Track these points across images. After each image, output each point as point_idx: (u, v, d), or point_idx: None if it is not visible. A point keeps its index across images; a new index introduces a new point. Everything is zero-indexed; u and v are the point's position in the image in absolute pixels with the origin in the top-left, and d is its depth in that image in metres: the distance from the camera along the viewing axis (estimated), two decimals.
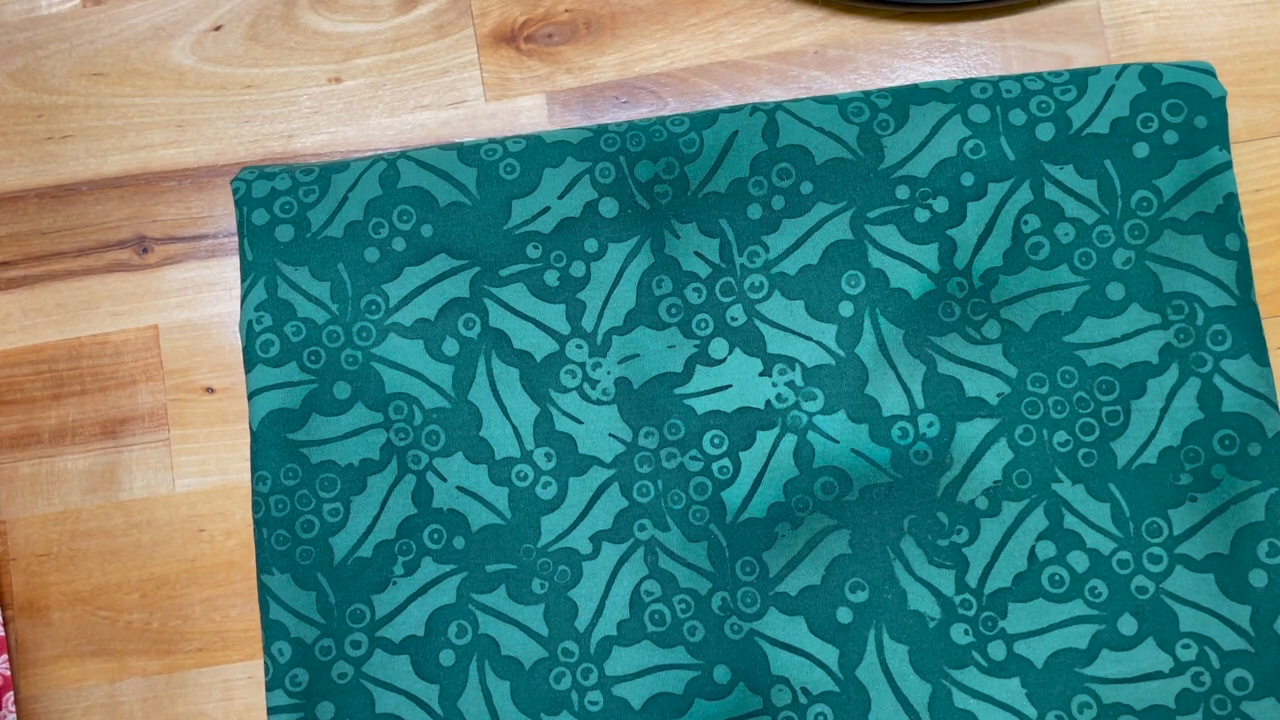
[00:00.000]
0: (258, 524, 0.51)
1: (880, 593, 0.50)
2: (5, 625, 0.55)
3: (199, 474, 0.55)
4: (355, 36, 0.57)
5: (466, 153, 0.53)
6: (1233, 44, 0.55)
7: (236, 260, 0.56)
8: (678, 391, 0.51)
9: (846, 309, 0.51)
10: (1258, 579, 0.49)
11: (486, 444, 0.51)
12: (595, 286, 0.52)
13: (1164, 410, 0.50)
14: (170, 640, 0.54)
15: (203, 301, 0.56)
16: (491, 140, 0.53)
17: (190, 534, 0.55)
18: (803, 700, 0.49)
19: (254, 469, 0.51)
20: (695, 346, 0.51)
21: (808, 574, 0.50)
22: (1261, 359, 0.50)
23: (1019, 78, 0.52)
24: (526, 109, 0.56)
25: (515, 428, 0.51)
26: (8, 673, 0.54)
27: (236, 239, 0.55)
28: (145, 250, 0.56)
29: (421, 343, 0.52)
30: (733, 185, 0.52)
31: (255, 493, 0.51)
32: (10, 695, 0.54)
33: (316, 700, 0.50)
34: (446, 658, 0.50)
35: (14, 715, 0.54)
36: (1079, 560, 0.50)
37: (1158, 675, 0.49)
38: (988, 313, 0.51)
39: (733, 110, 0.52)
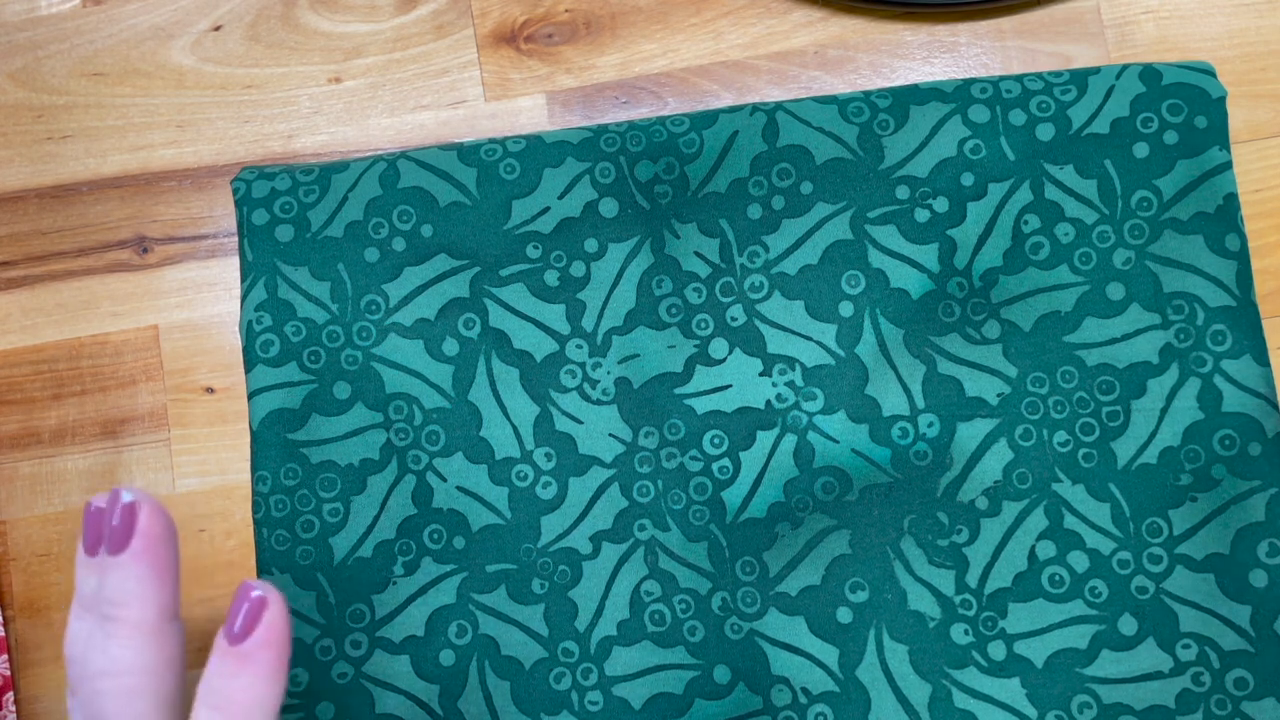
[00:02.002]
0: (258, 524, 0.51)
1: (880, 593, 0.50)
2: (5, 625, 0.55)
3: (199, 474, 0.55)
4: (355, 36, 0.57)
5: (466, 153, 0.53)
6: (1233, 44, 0.55)
7: (236, 260, 0.56)
8: (678, 391, 0.51)
9: (846, 309, 0.51)
10: (1258, 579, 0.49)
11: (486, 444, 0.51)
12: (595, 286, 0.52)
13: (1164, 410, 0.50)
14: None
15: (203, 301, 0.56)
16: (491, 140, 0.53)
17: (190, 534, 0.55)
18: (803, 700, 0.49)
19: (254, 469, 0.51)
20: (695, 346, 0.51)
21: (808, 574, 0.50)
22: (1262, 359, 0.50)
23: (1019, 78, 0.52)
24: (526, 109, 0.56)
25: (515, 428, 0.51)
26: (8, 673, 0.54)
27: (236, 239, 0.55)
28: (145, 250, 0.56)
29: (421, 343, 0.52)
30: (733, 185, 0.52)
31: (255, 493, 0.51)
32: (10, 695, 0.54)
33: (316, 700, 0.50)
34: (446, 658, 0.50)
35: (14, 715, 0.54)
36: (1079, 560, 0.50)
37: (1158, 675, 0.49)
38: (988, 313, 0.51)
39: (733, 110, 0.52)
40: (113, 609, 0.38)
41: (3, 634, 0.55)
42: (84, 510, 0.41)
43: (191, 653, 0.54)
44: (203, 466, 0.55)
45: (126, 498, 0.39)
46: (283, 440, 0.51)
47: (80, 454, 0.55)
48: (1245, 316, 0.50)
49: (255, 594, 0.38)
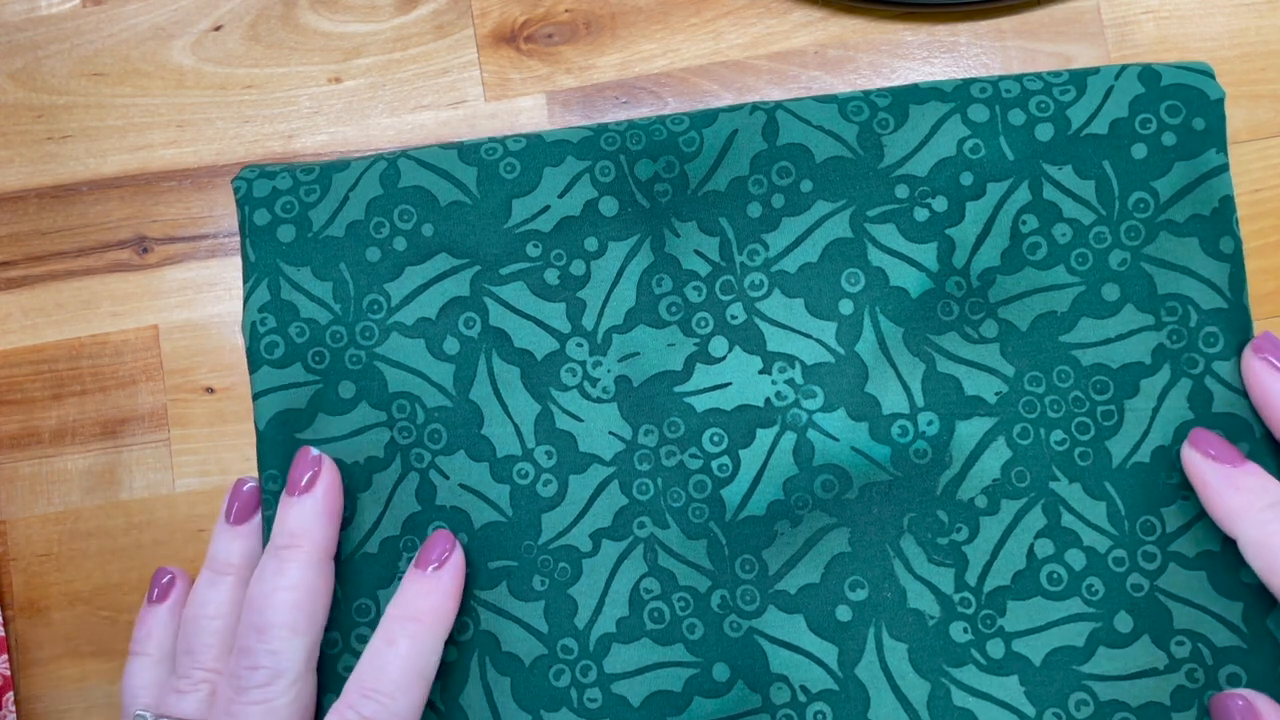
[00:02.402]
0: (266, 521, 0.51)
1: (880, 591, 0.50)
2: (5, 625, 0.55)
3: (199, 474, 0.55)
4: (355, 36, 0.57)
5: (467, 152, 0.53)
6: (1233, 44, 0.55)
7: (237, 260, 0.56)
8: (677, 389, 0.51)
9: (846, 307, 0.51)
10: (1249, 576, 0.49)
11: (488, 442, 0.51)
12: (595, 285, 0.52)
13: (1156, 410, 0.50)
14: None
15: (203, 301, 0.56)
16: (492, 139, 0.53)
17: (190, 534, 0.55)
18: (801, 698, 0.49)
19: (262, 468, 0.51)
20: (695, 345, 0.51)
21: (807, 572, 0.50)
22: None
23: (1018, 77, 0.52)
24: (526, 109, 0.56)
25: (516, 426, 0.51)
26: (8, 673, 0.55)
27: (237, 239, 0.55)
28: (145, 250, 0.56)
29: (423, 342, 0.52)
30: (732, 183, 0.52)
31: (265, 491, 0.51)
32: (10, 695, 0.55)
33: (322, 693, 0.50)
34: (448, 654, 0.50)
35: (14, 715, 0.54)
36: (1076, 558, 0.50)
37: (1153, 672, 0.49)
38: (985, 312, 0.51)
39: (732, 109, 0.52)
40: (293, 538, 0.48)
41: (3, 634, 0.55)
42: (234, 485, 0.52)
43: None
44: (203, 466, 0.55)
45: (314, 452, 0.50)
46: (290, 439, 0.51)
47: (80, 454, 0.56)
48: (1236, 319, 0.50)
49: (447, 537, 0.50)
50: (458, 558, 0.49)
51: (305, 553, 0.48)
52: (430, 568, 0.49)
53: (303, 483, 0.49)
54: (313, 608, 0.47)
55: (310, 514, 0.49)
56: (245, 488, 0.51)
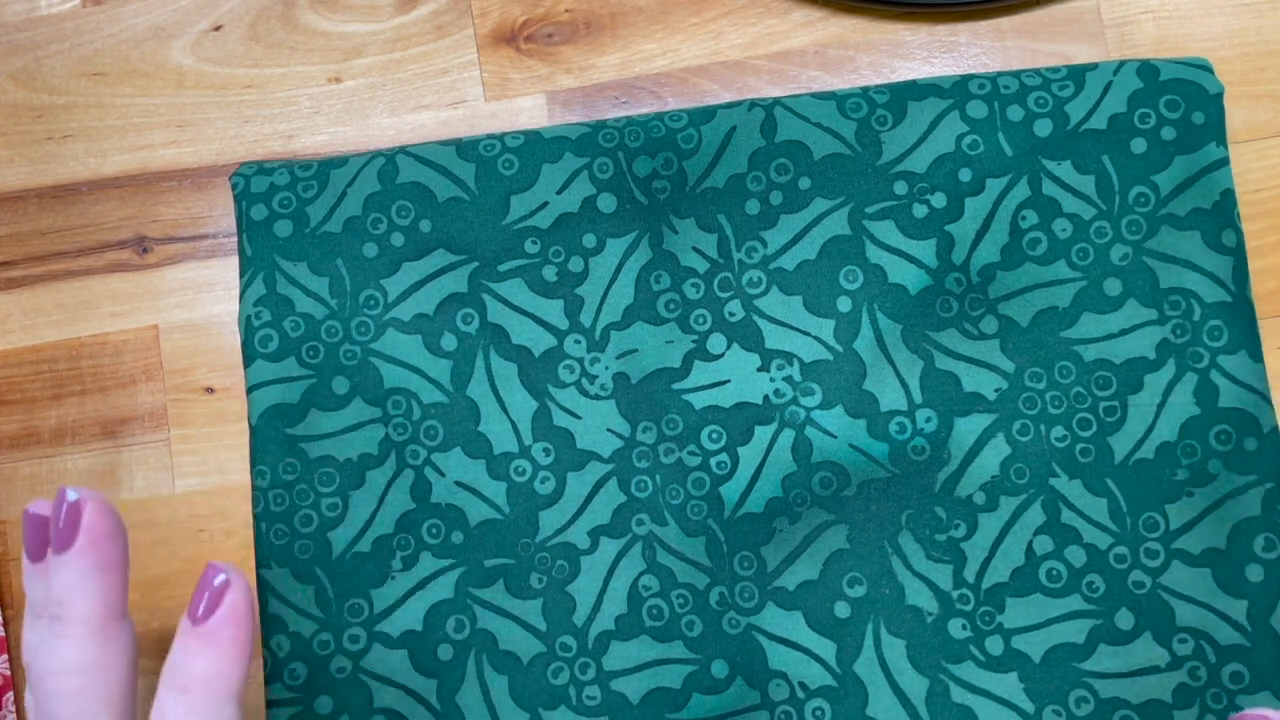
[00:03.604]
0: (257, 518, 0.51)
1: (878, 588, 0.50)
2: (5, 625, 0.55)
3: (199, 474, 0.55)
4: (355, 36, 0.57)
5: (465, 148, 0.53)
6: (1233, 44, 0.55)
7: (236, 260, 0.56)
8: (675, 387, 0.51)
9: (844, 304, 0.51)
10: (1254, 573, 0.49)
11: (485, 439, 0.51)
12: (593, 282, 0.52)
13: (1160, 405, 0.50)
14: (170, 640, 0.54)
15: (203, 301, 0.56)
16: (490, 135, 0.53)
17: (190, 534, 0.55)
18: (800, 695, 0.49)
19: (253, 463, 0.51)
20: (693, 342, 0.51)
21: (805, 569, 0.50)
22: (1256, 354, 0.50)
23: (1017, 74, 0.52)
24: (526, 109, 0.56)
25: (513, 423, 0.51)
26: (8, 672, 0.54)
27: (236, 238, 0.55)
28: (145, 250, 0.56)
29: (420, 338, 0.52)
30: (731, 181, 0.52)
31: (254, 487, 0.51)
32: (10, 695, 0.54)
33: (315, 694, 0.50)
34: (444, 652, 0.50)
35: (14, 715, 0.54)
36: (1076, 555, 0.50)
37: (1154, 670, 0.49)
38: (985, 308, 0.51)
39: (731, 106, 0.53)
40: (59, 608, 0.39)
41: (3, 634, 0.55)
42: (23, 517, 0.41)
43: None
44: (203, 466, 0.55)
45: (71, 496, 0.39)
46: (281, 435, 0.51)
47: (80, 454, 0.55)
48: (1241, 312, 0.50)
49: (218, 576, 0.39)
50: (234, 600, 0.39)
51: (77, 627, 0.39)
52: (200, 619, 0.39)
53: (62, 535, 0.39)
54: (104, 685, 0.39)
55: (75, 576, 0.39)
56: (30, 516, 0.41)
